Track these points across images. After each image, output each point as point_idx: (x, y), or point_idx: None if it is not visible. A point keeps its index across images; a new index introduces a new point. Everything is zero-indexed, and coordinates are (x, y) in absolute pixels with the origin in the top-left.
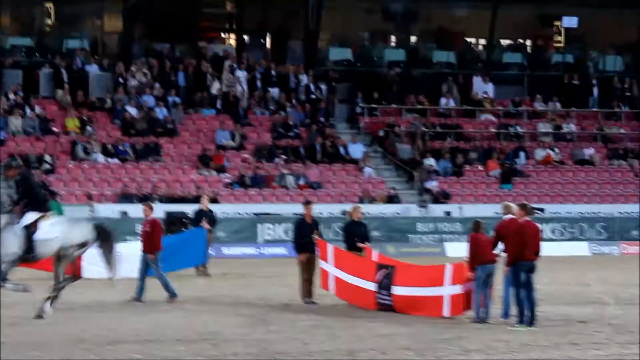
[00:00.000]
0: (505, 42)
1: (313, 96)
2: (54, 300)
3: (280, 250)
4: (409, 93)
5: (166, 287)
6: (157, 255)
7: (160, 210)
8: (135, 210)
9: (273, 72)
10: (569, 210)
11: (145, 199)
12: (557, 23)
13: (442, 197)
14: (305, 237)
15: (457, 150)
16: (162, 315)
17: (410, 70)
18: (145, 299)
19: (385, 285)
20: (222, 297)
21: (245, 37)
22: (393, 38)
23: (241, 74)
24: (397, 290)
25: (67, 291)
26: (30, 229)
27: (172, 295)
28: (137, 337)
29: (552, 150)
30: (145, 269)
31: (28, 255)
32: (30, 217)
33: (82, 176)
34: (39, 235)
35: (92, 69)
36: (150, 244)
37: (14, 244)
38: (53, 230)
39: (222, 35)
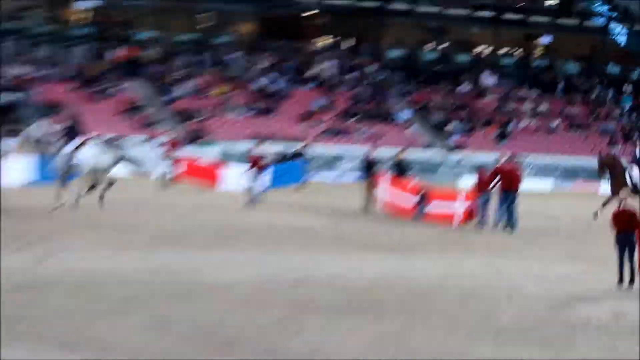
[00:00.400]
0: (502, 50)
1: (377, 79)
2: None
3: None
4: (440, 80)
5: None
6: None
7: (275, 148)
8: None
9: (351, 64)
10: (539, 159)
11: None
12: (537, 40)
13: (458, 148)
14: (368, 169)
15: (470, 118)
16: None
17: (440, 66)
18: None
19: (419, 203)
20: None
21: (335, 39)
22: (429, 45)
23: (332, 63)
24: (428, 206)
25: None
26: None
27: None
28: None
29: (531, 121)
30: None
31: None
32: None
33: (223, 123)
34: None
35: (233, 56)
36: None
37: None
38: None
39: (319, 37)
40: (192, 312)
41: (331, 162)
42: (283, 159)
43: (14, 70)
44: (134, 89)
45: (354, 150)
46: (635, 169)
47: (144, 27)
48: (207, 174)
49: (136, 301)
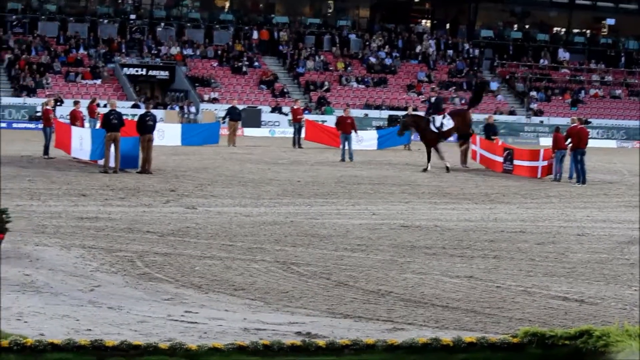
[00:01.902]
0: (575, 30)
1: (470, 55)
2: None
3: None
4: (523, 56)
5: None
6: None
7: (385, 114)
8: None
9: (449, 42)
10: (606, 122)
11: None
12: (603, 21)
13: (538, 113)
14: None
15: (548, 87)
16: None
17: (524, 43)
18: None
19: (508, 159)
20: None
21: (436, 21)
22: (515, 26)
23: (432, 42)
24: (514, 162)
25: None
26: None
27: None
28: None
29: (598, 90)
30: None
31: None
32: None
33: (343, 93)
34: None
35: (352, 36)
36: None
37: None
38: None
39: (422, 20)
40: (312, 255)
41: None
42: (392, 123)
43: (169, 50)
44: (269, 65)
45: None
46: None
47: (278, 12)
48: (329, 137)
49: (263, 246)
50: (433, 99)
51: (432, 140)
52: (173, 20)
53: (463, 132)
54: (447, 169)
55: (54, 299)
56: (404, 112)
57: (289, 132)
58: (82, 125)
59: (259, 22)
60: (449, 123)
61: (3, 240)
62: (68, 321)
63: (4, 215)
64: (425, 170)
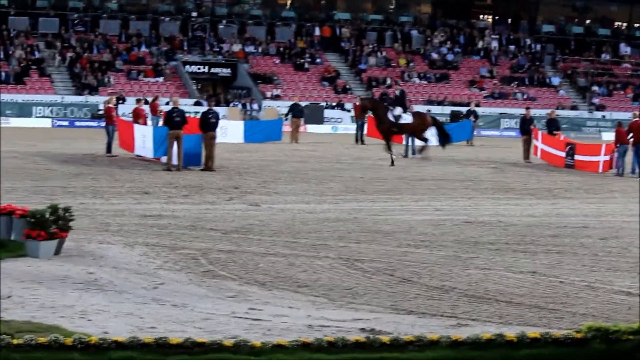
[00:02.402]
0: (637, 24)
1: (532, 50)
2: None
3: (512, 133)
4: (584, 51)
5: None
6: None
7: (448, 110)
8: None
9: (511, 37)
10: None
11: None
12: None
13: (600, 107)
14: (526, 126)
15: (610, 82)
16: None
17: (585, 38)
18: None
19: (570, 154)
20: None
21: (498, 17)
22: (576, 21)
23: (494, 37)
24: (576, 157)
25: None
26: None
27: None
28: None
29: None
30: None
31: None
32: None
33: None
34: None
35: (414, 32)
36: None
37: None
38: None
39: (484, 15)
40: (376, 252)
41: (494, 121)
42: (454, 119)
43: (231, 47)
44: (331, 61)
45: (513, 111)
46: None
47: (339, 8)
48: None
49: (327, 243)
50: (397, 92)
51: (386, 129)
52: (235, 18)
53: (417, 134)
54: (392, 163)
55: (118, 297)
56: (466, 108)
57: (352, 128)
58: (145, 123)
59: (321, 18)
60: (407, 118)
61: (66, 238)
62: (132, 319)
63: (67, 214)
64: (392, 159)
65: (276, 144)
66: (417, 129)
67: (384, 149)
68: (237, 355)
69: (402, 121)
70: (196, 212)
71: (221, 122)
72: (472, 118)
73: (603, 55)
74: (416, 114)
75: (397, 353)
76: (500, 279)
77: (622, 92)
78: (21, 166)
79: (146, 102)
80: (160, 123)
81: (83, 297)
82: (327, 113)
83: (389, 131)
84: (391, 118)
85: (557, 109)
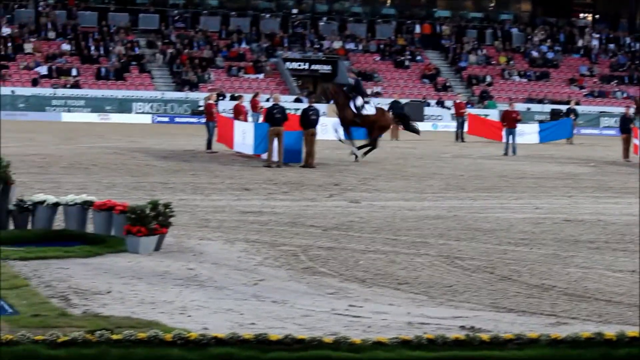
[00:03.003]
0: None
1: (632, 49)
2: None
3: (612, 132)
4: None
5: None
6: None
7: (547, 108)
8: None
9: (611, 36)
10: None
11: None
12: None
13: None
14: (625, 125)
15: None
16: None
17: None
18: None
19: None
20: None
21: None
22: None
23: (594, 36)
24: None
25: None
26: None
27: None
28: None
29: None
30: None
31: None
32: None
33: (505, 87)
34: None
35: (514, 30)
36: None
37: None
38: None
39: (583, 14)
40: (476, 250)
41: (594, 120)
42: (554, 117)
43: (331, 44)
44: (431, 59)
45: (613, 109)
46: None
47: (440, 6)
48: (492, 130)
49: (427, 240)
50: (352, 81)
51: (347, 118)
52: (335, 15)
53: (378, 129)
54: (356, 158)
55: (218, 293)
56: (566, 106)
57: (452, 126)
58: (245, 120)
59: (421, 16)
60: (370, 110)
61: (166, 234)
62: (232, 315)
63: (167, 210)
64: (354, 155)
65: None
66: (376, 125)
67: (343, 142)
68: (336, 352)
69: (363, 112)
70: (296, 208)
71: (321, 119)
72: (572, 116)
73: None
74: (379, 109)
75: (496, 351)
76: (600, 278)
77: None
78: (121, 162)
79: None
80: (261, 119)
81: (183, 293)
82: (427, 110)
83: (351, 121)
84: (352, 107)
85: None
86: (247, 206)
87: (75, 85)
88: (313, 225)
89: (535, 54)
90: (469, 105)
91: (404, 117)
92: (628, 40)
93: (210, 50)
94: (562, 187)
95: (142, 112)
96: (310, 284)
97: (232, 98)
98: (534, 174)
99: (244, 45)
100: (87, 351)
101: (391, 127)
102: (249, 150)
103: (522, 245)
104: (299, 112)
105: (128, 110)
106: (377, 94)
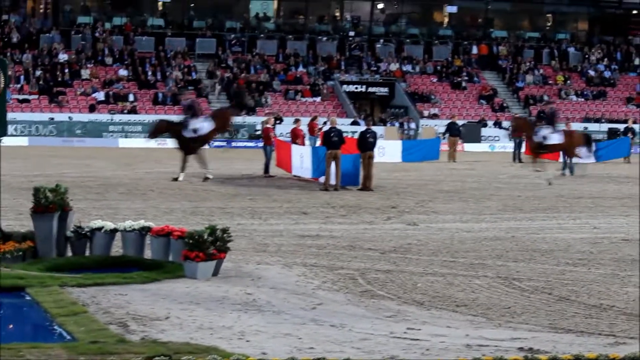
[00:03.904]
0: None
1: None
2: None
3: None
4: None
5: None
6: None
7: (605, 127)
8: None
9: None
10: None
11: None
12: None
13: None
14: None
15: None
16: None
17: None
18: None
19: None
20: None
21: None
22: None
23: None
24: None
25: None
26: None
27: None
28: None
29: None
30: None
31: None
32: None
33: (562, 106)
34: None
35: (571, 50)
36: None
37: None
38: None
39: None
40: (534, 270)
41: None
42: (611, 136)
43: (388, 67)
44: (488, 79)
45: None
46: None
47: (497, 26)
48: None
49: (485, 262)
50: (185, 103)
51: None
52: (392, 37)
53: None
54: (205, 179)
55: (276, 318)
56: (624, 125)
57: (509, 146)
58: (303, 143)
59: (478, 36)
60: (206, 126)
61: (224, 259)
62: (290, 339)
63: (225, 234)
64: (175, 179)
65: (434, 163)
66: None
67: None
68: None
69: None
70: (354, 232)
71: (379, 142)
72: (629, 135)
73: None
74: (216, 115)
75: None
76: None
77: None
78: (179, 187)
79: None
80: (318, 143)
81: (241, 318)
82: (485, 131)
83: (191, 148)
84: (188, 134)
85: None
86: (304, 230)
87: (133, 111)
88: (371, 249)
89: (592, 73)
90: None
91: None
92: None
93: (267, 73)
94: (619, 206)
95: None
96: (368, 307)
97: (279, 120)
98: (591, 193)
99: (300, 69)
100: None
101: (449, 148)
102: (306, 173)
103: (580, 266)
104: (356, 135)
105: None
106: (434, 116)
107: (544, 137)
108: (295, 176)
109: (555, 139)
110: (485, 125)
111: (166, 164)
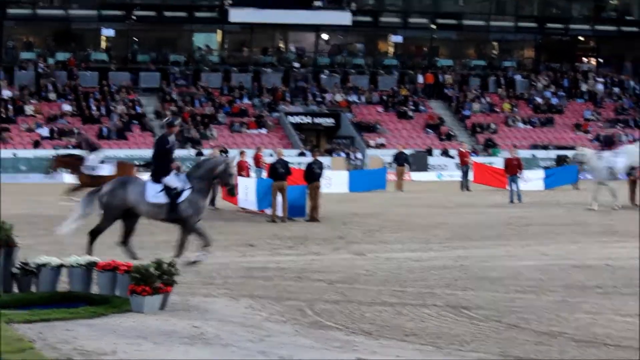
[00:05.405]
0: None
1: (637, 92)
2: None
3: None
4: None
5: None
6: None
7: (553, 154)
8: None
9: (615, 79)
10: None
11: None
12: None
13: None
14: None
15: None
16: None
17: None
18: None
19: None
20: None
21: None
22: None
23: (599, 80)
24: None
25: None
26: None
27: None
28: None
29: None
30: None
31: None
32: None
33: (510, 134)
34: None
35: (517, 77)
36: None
37: None
38: None
39: (588, 58)
40: (483, 298)
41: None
42: (559, 163)
43: (334, 97)
44: (435, 108)
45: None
46: None
47: (442, 55)
48: (497, 178)
49: (434, 291)
50: (79, 139)
51: (86, 183)
52: (337, 67)
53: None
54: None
55: (224, 351)
56: (572, 152)
57: (457, 175)
58: (248, 175)
59: (424, 65)
60: (106, 169)
61: (171, 292)
62: None
63: (172, 268)
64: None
65: (381, 192)
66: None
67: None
68: None
69: (100, 172)
70: (302, 263)
71: (326, 172)
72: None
73: None
74: (120, 166)
75: None
76: (609, 323)
77: None
78: None
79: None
80: (264, 175)
81: (189, 352)
82: (432, 160)
83: (91, 184)
84: (87, 170)
85: None
86: (251, 262)
87: (78, 146)
88: (319, 280)
89: (539, 100)
90: (473, 154)
91: None
92: (632, 83)
93: (212, 106)
94: (569, 232)
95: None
96: (317, 339)
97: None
98: (540, 220)
99: (246, 101)
100: None
101: (396, 178)
102: (253, 206)
103: (529, 293)
104: (302, 167)
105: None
106: (381, 146)
107: None
108: (241, 208)
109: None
110: (431, 154)
111: None
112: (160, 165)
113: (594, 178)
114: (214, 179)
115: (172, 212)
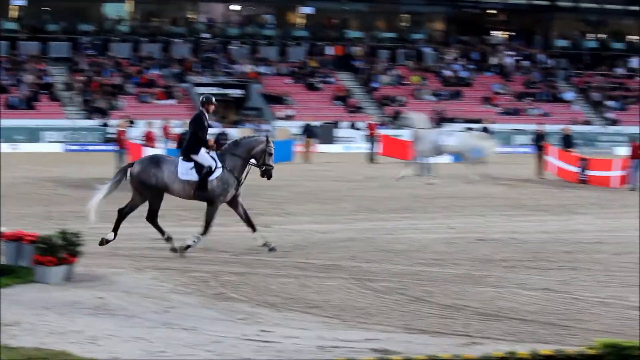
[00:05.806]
0: None
1: (546, 65)
2: None
3: (526, 149)
4: (598, 65)
5: None
6: None
7: (461, 127)
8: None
9: (525, 53)
10: None
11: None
12: None
13: (614, 122)
14: (538, 142)
15: (623, 97)
16: None
17: (599, 52)
18: None
19: (583, 169)
20: None
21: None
22: (590, 35)
23: (508, 53)
24: (590, 172)
25: None
26: None
27: None
28: None
29: None
30: None
31: None
32: None
33: (418, 107)
34: None
35: (427, 50)
36: None
37: None
38: None
39: (497, 31)
40: (388, 271)
41: (508, 137)
42: None
43: (243, 68)
44: (344, 80)
45: (527, 127)
46: None
47: (352, 27)
48: (405, 151)
49: (339, 263)
50: None
51: None
52: (247, 38)
53: None
54: None
55: (128, 322)
56: (479, 125)
57: (364, 147)
58: (154, 146)
59: (333, 37)
60: None
61: (76, 263)
62: (142, 343)
63: (77, 239)
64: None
65: (288, 164)
66: None
67: None
68: None
69: None
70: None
71: None
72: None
73: (617, 70)
74: None
75: None
76: (513, 297)
77: (636, 106)
78: (32, 191)
79: (132, 123)
80: (172, 145)
81: (93, 323)
82: (339, 132)
83: None
84: None
85: (570, 124)
86: (157, 233)
87: None
88: (224, 251)
89: (448, 72)
90: (382, 126)
91: None
92: (542, 57)
93: (121, 77)
94: (475, 206)
95: (53, 141)
96: (221, 310)
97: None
98: (446, 193)
99: (154, 71)
100: None
101: (304, 150)
102: None
103: (435, 266)
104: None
105: (38, 139)
106: (289, 117)
107: None
108: None
109: None
110: (337, 126)
111: (19, 169)
112: (193, 143)
113: (415, 148)
114: (251, 158)
115: (200, 190)
